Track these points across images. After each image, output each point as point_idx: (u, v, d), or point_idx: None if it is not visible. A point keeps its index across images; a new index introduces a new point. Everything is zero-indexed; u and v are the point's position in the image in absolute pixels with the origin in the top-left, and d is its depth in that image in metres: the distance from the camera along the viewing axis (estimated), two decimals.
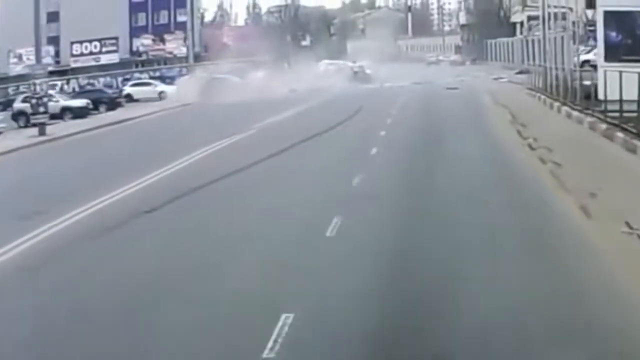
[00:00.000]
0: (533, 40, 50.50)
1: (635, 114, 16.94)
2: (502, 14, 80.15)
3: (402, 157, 17.35)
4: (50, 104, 34.57)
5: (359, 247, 9.37)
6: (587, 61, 29.26)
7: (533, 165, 15.13)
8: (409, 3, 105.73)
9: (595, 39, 41.07)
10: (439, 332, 6.39)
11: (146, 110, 39.77)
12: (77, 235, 10.86)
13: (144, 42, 73.05)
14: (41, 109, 30.36)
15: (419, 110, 30.82)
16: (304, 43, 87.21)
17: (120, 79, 63.87)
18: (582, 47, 30.34)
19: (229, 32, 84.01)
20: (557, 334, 6.29)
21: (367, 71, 58.82)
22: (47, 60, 69.23)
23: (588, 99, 22.18)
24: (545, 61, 32.82)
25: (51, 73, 64.85)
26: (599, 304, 7.02)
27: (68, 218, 11.95)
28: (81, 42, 71.80)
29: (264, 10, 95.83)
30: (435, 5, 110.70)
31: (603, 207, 10.53)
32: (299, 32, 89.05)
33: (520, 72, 48.82)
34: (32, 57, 44.34)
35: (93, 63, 70.92)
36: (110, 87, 57.55)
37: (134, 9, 73.45)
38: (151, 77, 61.96)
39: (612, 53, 20.74)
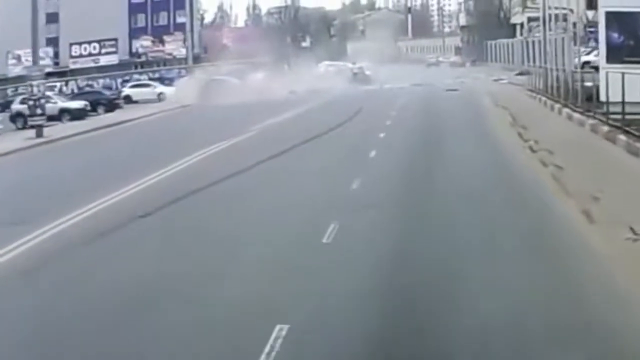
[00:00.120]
0: (533, 42, 50.37)
1: (638, 116, 16.76)
2: (502, 15, 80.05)
3: (401, 159, 17.15)
4: (48, 105, 34.40)
5: (355, 255, 9.11)
6: (587, 62, 29.10)
7: (534, 168, 14.93)
8: (409, 4, 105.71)
9: (595, 40, 41.00)
10: None
11: (145, 112, 39.59)
12: (72, 239, 10.67)
13: (143, 43, 72.93)
14: (38, 111, 30.16)
15: (419, 112, 30.64)
16: (304, 44, 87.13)
17: (119, 80, 63.69)
18: (582, 49, 30.15)
19: (228, 33, 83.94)
20: (560, 337, 6.13)
21: (367, 72, 58.70)
22: (46, 61, 69.27)
23: (589, 100, 21.98)
24: (545, 62, 32.68)
25: (50, 74, 64.85)
26: (603, 313, 6.82)
27: (61, 223, 11.77)
28: (80, 44, 71.71)
29: (264, 11, 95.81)
30: (435, 7, 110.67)
31: (606, 212, 10.32)
32: (299, 33, 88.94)
33: (520, 74, 48.69)
34: (31, 59, 44.22)
35: (92, 64, 70.84)
36: (110, 88, 57.36)
37: (133, 10, 73.35)
38: (150, 79, 61.80)
39: (614, 54, 20.53)
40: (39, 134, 29.46)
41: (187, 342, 6.44)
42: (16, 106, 37.81)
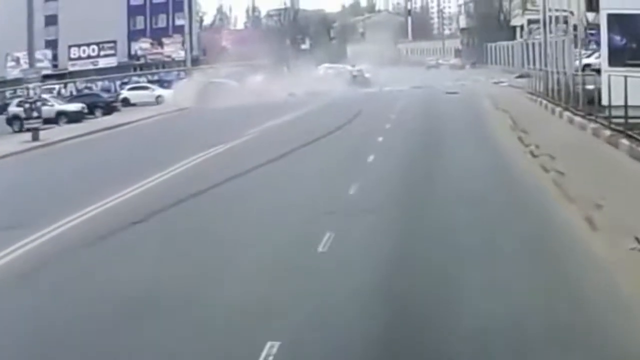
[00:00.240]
0: (533, 44, 50.18)
1: None
2: (502, 17, 79.92)
3: (400, 164, 16.84)
4: (45, 108, 34.26)
5: (351, 266, 8.75)
6: (588, 65, 28.85)
7: (535, 173, 14.65)
8: (409, 7, 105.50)
9: (596, 42, 40.83)
10: None
11: (142, 115, 39.38)
12: (69, 242, 10.45)
13: (142, 45, 72.77)
14: (34, 114, 29.97)
15: (418, 115, 30.39)
16: (303, 47, 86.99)
17: (118, 82, 63.51)
18: (583, 51, 29.90)
19: (227, 35, 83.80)
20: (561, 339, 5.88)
21: (367, 75, 58.52)
22: (45, 63, 69.16)
23: (591, 104, 21.71)
24: (546, 65, 32.46)
25: (49, 77, 64.77)
26: (607, 322, 6.56)
27: (58, 226, 11.58)
28: (79, 46, 71.56)
29: (263, 13, 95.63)
30: (435, 9, 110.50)
31: (609, 220, 10.03)
32: (298, 35, 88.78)
33: (520, 76, 48.51)
34: (34, 60, 44.02)
35: (91, 67, 70.65)
36: (108, 91, 57.21)
37: (132, 13, 73.19)
38: (149, 81, 61.61)
39: (616, 57, 20.25)
40: (35, 137, 29.30)
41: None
42: (13, 109, 37.65)
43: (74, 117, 38.37)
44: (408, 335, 6.51)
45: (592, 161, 15.49)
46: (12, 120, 36.99)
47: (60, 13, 71.37)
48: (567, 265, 8.49)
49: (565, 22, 29.84)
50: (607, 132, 17.94)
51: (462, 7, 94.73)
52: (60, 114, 38.71)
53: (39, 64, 63.03)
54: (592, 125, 19.96)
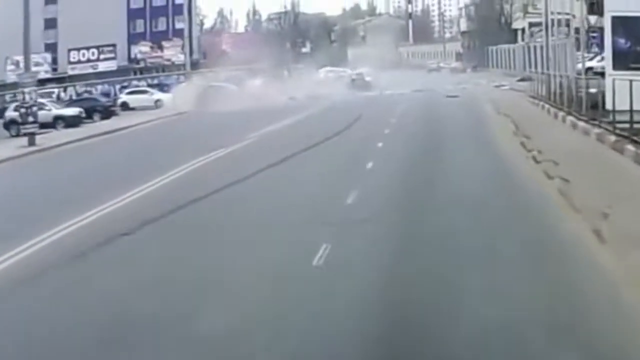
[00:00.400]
0: (535, 47, 49.99)
1: None
2: (503, 20, 79.63)
3: (400, 171, 16.42)
4: (42, 112, 34.00)
5: (347, 281, 8.28)
6: (590, 68, 28.52)
7: (538, 180, 14.28)
8: (409, 10, 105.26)
9: (598, 45, 40.58)
10: None
11: (140, 119, 39.07)
12: (55, 257, 10.07)
13: (142, 49, 72.50)
14: (30, 119, 29.68)
15: (419, 119, 30.04)
16: (304, 50, 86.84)
17: (118, 86, 63.29)
18: (585, 54, 29.58)
19: (228, 39, 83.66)
20: None
21: (367, 78, 58.25)
22: (45, 67, 68.93)
23: (594, 108, 21.34)
24: (548, 68, 32.15)
25: (48, 80, 64.56)
26: (622, 347, 6.19)
27: (54, 233, 11.35)
28: (79, 49, 71.30)
29: (264, 17, 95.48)
30: (436, 12, 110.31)
31: (617, 231, 9.64)
32: (298, 39, 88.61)
33: (521, 80, 48.28)
34: (29, 64, 43.66)
35: (91, 70, 70.39)
36: (108, 94, 57.00)
37: (132, 16, 72.95)
38: (149, 85, 61.37)
39: (621, 61, 19.87)
40: (32, 142, 29.03)
41: None
42: (10, 113, 37.39)
43: (71, 122, 38.12)
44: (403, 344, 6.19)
45: (597, 168, 15.10)
46: (10, 124, 36.76)
47: (59, 16, 71.15)
48: (573, 278, 8.12)
49: (567, 25, 29.55)
50: (612, 138, 17.56)
51: (463, 10, 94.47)
52: (58, 118, 38.46)
53: (38, 68, 63.17)
54: (596, 130, 19.58)
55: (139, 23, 73.34)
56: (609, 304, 7.25)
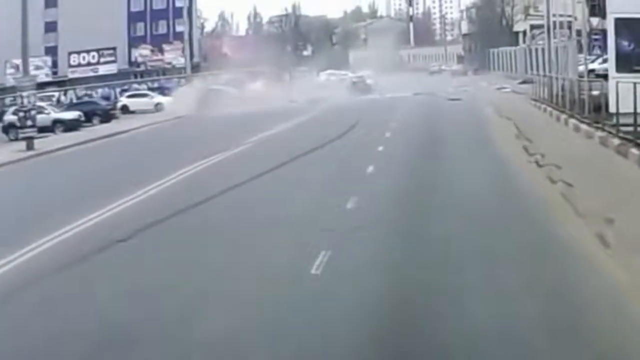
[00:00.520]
0: (536, 50, 49.80)
1: None
2: (504, 22, 79.48)
3: (400, 176, 16.12)
4: (41, 116, 33.88)
5: (345, 290, 8.01)
6: (592, 70, 28.31)
7: (541, 185, 14.03)
8: (410, 12, 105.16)
9: (600, 47, 40.41)
10: None
11: (139, 123, 38.91)
12: (46, 266, 9.85)
13: (142, 52, 72.42)
14: (29, 123, 29.51)
15: (420, 123, 29.81)
16: (305, 53, 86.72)
17: (118, 89, 63.16)
18: (587, 56, 29.38)
19: (228, 42, 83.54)
20: None
21: (368, 81, 58.14)
22: (45, 70, 68.83)
23: (597, 111, 21.09)
24: (550, 71, 31.94)
25: (49, 84, 64.44)
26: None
27: (49, 240, 11.21)
28: (79, 53, 71.26)
29: (265, 20, 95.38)
30: (437, 15, 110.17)
31: (623, 237, 9.39)
32: (300, 42, 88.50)
33: (523, 82, 48.14)
34: (30, 68, 43.49)
35: (91, 74, 70.30)
36: (108, 98, 56.82)
37: (132, 19, 72.90)
38: (150, 88, 61.23)
39: (624, 63, 19.61)
40: (30, 147, 28.89)
41: None
42: (8, 117, 37.26)
43: (70, 126, 37.96)
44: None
45: (600, 172, 14.85)
46: (8, 128, 36.65)
47: (60, 19, 71.13)
48: (576, 284, 7.90)
49: (569, 27, 29.36)
50: (616, 141, 17.30)
51: (464, 12, 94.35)
52: (57, 122, 38.32)
53: (38, 71, 63.07)
54: (600, 133, 19.32)
55: (140, 26, 73.27)
56: (613, 311, 7.04)
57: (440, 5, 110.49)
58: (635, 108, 16.72)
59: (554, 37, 30.97)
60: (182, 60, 69.32)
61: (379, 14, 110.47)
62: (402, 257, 9.49)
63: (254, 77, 57.03)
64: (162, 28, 73.38)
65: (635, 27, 19.77)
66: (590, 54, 32.39)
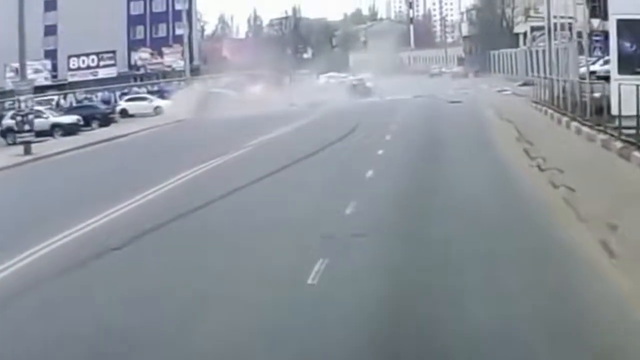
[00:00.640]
0: (537, 51, 49.65)
1: None
2: (504, 24, 79.35)
3: (400, 180, 15.95)
4: (40, 120, 33.73)
5: (342, 301, 7.78)
6: (593, 72, 28.16)
7: (543, 189, 13.87)
8: (411, 15, 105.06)
9: (601, 49, 40.26)
10: None
11: (138, 127, 38.71)
12: (45, 271, 9.72)
13: (142, 55, 72.25)
14: (26, 127, 29.33)
15: (420, 126, 29.67)
16: (305, 56, 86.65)
17: (118, 93, 62.99)
18: (588, 58, 29.24)
19: (228, 44, 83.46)
20: None
21: (368, 84, 57.97)
22: (45, 74, 68.69)
23: (599, 113, 20.92)
24: (550, 73, 31.80)
25: (48, 87, 64.29)
26: None
27: (46, 245, 11.07)
28: (79, 56, 71.07)
29: (265, 22, 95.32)
30: (437, 17, 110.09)
31: (628, 244, 9.22)
32: (300, 44, 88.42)
33: (524, 84, 48.03)
34: (29, 71, 43.38)
35: (91, 77, 70.13)
36: (108, 102, 56.66)
37: (132, 22, 72.73)
38: (149, 92, 61.05)
39: (626, 65, 19.46)
40: (27, 151, 28.71)
41: None
42: (7, 121, 37.07)
43: (69, 130, 37.77)
44: None
45: (603, 175, 14.67)
46: (6, 132, 36.44)
47: (59, 23, 70.95)
48: (579, 292, 7.75)
49: (570, 28, 29.24)
50: (618, 144, 17.14)
51: (465, 14, 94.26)
52: (55, 126, 38.11)
53: (38, 75, 62.93)
54: (602, 136, 19.14)
55: (139, 29, 73.11)
56: (616, 318, 6.94)
57: (441, 7, 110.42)
58: (638, 110, 16.54)
59: (555, 39, 30.86)
60: (181, 63, 69.15)
61: (379, 16, 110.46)
62: (402, 259, 9.36)
63: (253, 80, 56.88)
64: (161, 31, 73.22)
65: (637, 29, 19.61)
66: (591, 56, 32.22)
